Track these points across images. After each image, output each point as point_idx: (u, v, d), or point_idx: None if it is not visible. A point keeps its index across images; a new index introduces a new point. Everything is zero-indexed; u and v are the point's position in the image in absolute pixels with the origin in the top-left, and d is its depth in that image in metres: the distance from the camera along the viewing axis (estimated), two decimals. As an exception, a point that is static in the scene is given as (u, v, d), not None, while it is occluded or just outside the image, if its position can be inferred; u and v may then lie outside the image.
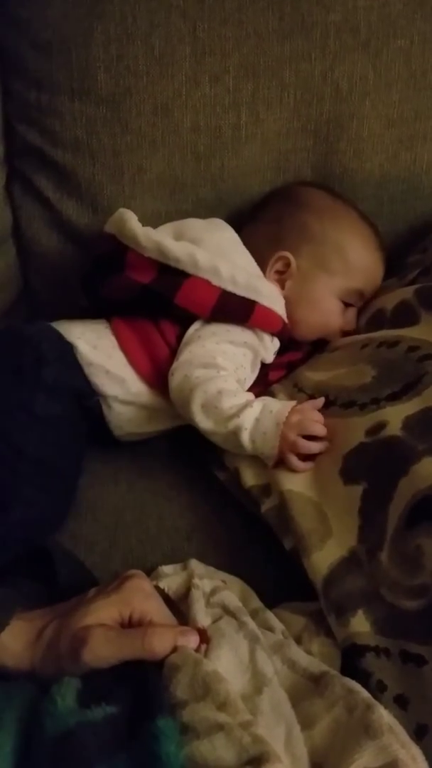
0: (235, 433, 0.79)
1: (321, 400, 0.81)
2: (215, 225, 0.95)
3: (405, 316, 0.86)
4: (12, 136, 1.00)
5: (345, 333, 0.95)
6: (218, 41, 0.92)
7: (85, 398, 0.87)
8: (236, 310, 0.86)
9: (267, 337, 0.88)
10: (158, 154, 0.97)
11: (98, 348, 0.88)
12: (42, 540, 0.74)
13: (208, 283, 0.85)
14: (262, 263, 0.92)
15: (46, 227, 1.03)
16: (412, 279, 0.93)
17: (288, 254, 0.92)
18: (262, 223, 0.96)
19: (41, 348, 0.84)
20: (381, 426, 0.73)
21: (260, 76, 0.94)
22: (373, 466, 0.72)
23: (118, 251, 0.89)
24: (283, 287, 0.92)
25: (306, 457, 0.78)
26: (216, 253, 0.87)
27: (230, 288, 0.85)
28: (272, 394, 0.88)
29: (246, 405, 0.80)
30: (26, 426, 0.81)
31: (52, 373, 0.83)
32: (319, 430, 0.78)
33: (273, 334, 0.89)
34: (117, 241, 0.90)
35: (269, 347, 0.89)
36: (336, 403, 0.80)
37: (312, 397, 0.84)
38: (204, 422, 0.82)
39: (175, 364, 0.85)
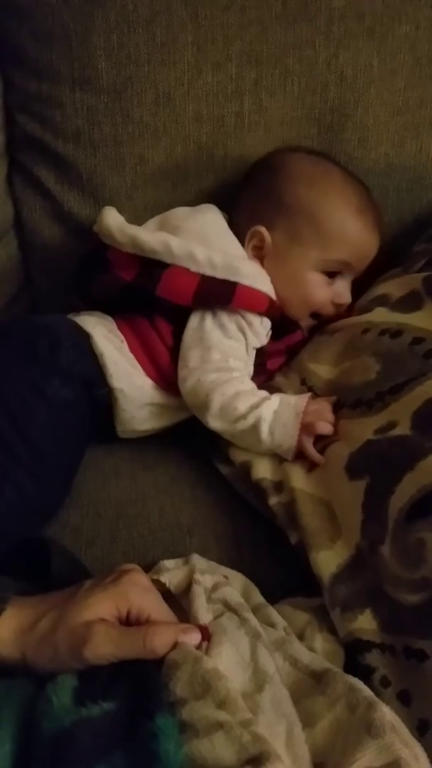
0: (255, 426, 0.80)
1: (334, 398, 0.81)
2: (200, 210, 0.94)
3: (408, 302, 0.85)
4: (12, 126, 0.99)
5: (338, 306, 0.93)
6: (220, 28, 0.91)
7: (96, 388, 0.86)
8: (217, 293, 0.85)
9: (255, 320, 0.87)
10: (160, 144, 0.96)
11: (109, 340, 0.88)
12: (29, 532, 0.74)
13: (186, 270, 0.84)
14: (244, 237, 0.91)
15: (48, 219, 1.02)
16: (418, 269, 0.91)
17: (262, 229, 0.89)
18: (243, 193, 0.94)
19: (58, 334, 0.85)
20: (391, 425, 0.73)
21: (263, 64, 0.93)
22: (379, 462, 0.71)
23: (100, 249, 0.89)
24: (262, 264, 0.90)
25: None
26: (195, 238, 0.86)
27: (209, 272, 0.84)
28: (280, 390, 0.88)
29: (264, 399, 0.81)
30: (35, 408, 0.80)
31: (68, 358, 0.83)
32: (331, 417, 0.80)
33: (261, 314, 0.87)
34: (99, 239, 0.90)
35: (259, 331, 0.88)
36: (345, 405, 0.80)
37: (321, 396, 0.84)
38: (222, 424, 0.83)
39: (184, 371, 0.85)
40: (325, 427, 0.78)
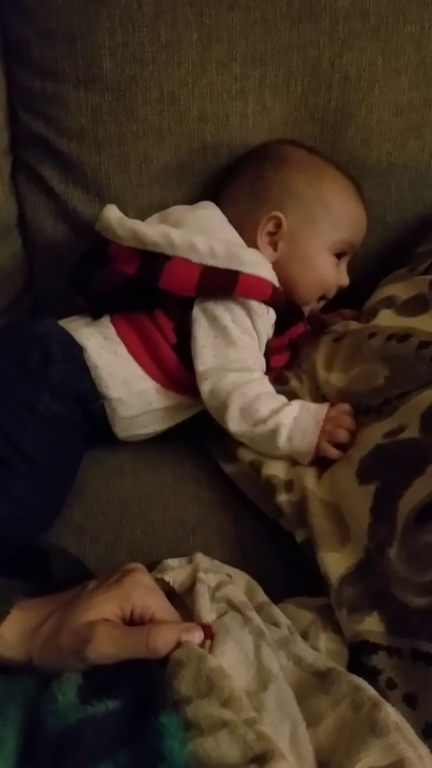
0: (275, 431, 0.80)
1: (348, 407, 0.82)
2: (199, 205, 0.94)
3: (415, 305, 0.85)
4: (17, 125, 0.99)
5: (340, 288, 0.96)
6: (225, 28, 0.91)
7: (88, 402, 0.86)
8: (220, 283, 0.85)
9: (262, 310, 0.87)
10: (165, 143, 0.96)
11: (105, 348, 0.87)
12: (27, 540, 0.74)
13: (188, 261, 0.84)
14: (248, 225, 0.91)
15: (52, 217, 1.02)
16: (424, 270, 0.91)
17: (279, 214, 0.90)
18: (241, 183, 0.94)
19: (51, 348, 0.84)
20: (401, 428, 0.72)
21: (267, 63, 0.93)
22: (389, 466, 0.71)
23: (101, 246, 0.89)
24: (275, 249, 0.91)
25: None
26: (195, 229, 0.86)
27: (210, 262, 0.84)
28: (294, 395, 0.88)
29: (285, 405, 0.82)
30: (27, 423, 0.80)
31: (59, 374, 0.83)
32: (350, 423, 0.80)
33: (267, 303, 0.87)
34: (100, 236, 0.90)
35: (267, 321, 0.88)
36: (358, 412, 0.80)
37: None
38: (240, 425, 0.82)
39: (202, 369, 0.85)
40: (343, 435, 0.79)
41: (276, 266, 0.90)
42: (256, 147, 0.97)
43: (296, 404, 0.82)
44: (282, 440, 0.80)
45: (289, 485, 0.80)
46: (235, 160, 0.97)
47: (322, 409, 0.81)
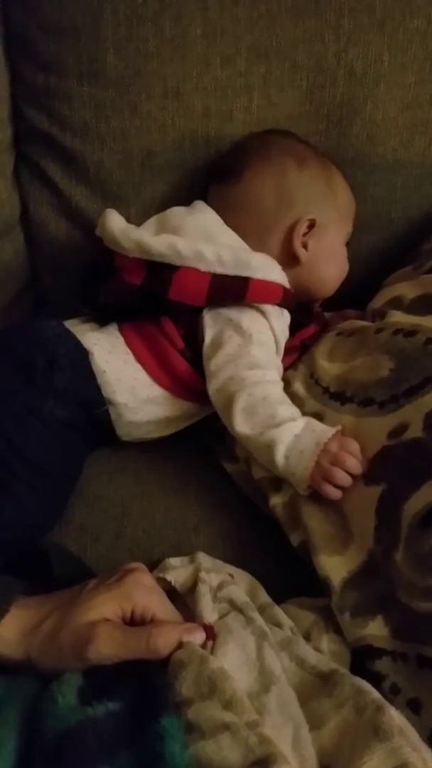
0: (270, 446, 0.75)
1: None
2: (196, 208, 0.93)
3: (423, 305, 0.84)
4: (20, 120, 0.99)
5: None
6: (230, 22, 0.90)
7: (93, 408, 0.85)
8: (231, 290, 0.83)
9: (276, 312, 0.85)
10: (168, 139, 0.95)
11: (113, 353, 0.86)
12: (29, 543, 0.74)
13: (196, 270, 0.83)
14: (269, 228, 0.90)
15: (55, 213, 1.02)
16: (429, 268, 0.90)
17: (314, 215, 0.90)
18: (258, 185, 0.91)
19: (57, 353, 0.83)
20: (403, 427, 0.71)
21: (272, 58, 0.92)
22: (397, 470, 0.70)
23: (107, 255, 0.87)
24: (306, 248, 0.90)
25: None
26: (199, 236, 0.85)
27: (219, 270, 0.83)
28: (287, 382, 0.86)
29: (289, 419, 0.77)
30: (30, 428, 0.80)
31: (64, 380, 0.82)
32: (353, 466, 0.72)
33: (280, 306, 0.86)
34: (105, 245, 0.88)
35: (282, 320, 0.87)
36: (354, 401, 0.78)
37: (327, 389, 0.82)
38: (241, 426, 0.78)
39: (214, 368, 0.82)
40: (340, 477, 0.72)
41: (302, 266, 0.90)
42: (255, 141, 0.94)
43: (302, 421, 0.77)
44: (279, 457, 0.75)
45: (277, 485, 0.78)
46: (225, 158, 0.95)
47: (327, 432, 0.75)
